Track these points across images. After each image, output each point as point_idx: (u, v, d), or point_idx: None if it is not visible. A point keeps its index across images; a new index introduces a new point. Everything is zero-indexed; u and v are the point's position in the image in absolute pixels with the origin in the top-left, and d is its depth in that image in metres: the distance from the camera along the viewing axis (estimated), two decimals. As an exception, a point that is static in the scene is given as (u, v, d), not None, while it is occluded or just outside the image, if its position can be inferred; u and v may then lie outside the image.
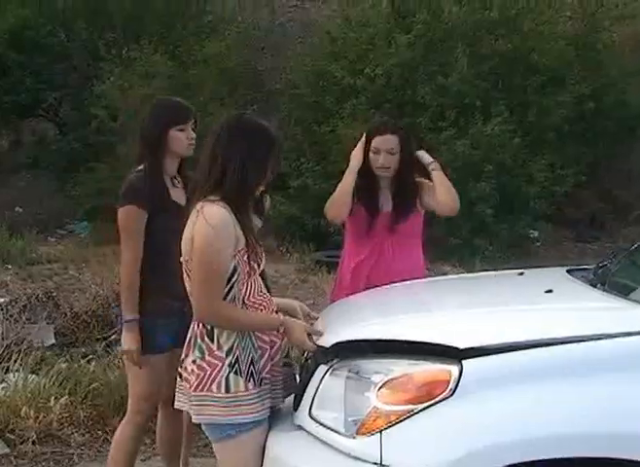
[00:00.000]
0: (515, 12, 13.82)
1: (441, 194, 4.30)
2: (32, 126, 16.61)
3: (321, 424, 2.80)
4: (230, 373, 2.96)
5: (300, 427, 2.91)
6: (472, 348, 2.61)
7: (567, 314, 2.93)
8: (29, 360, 5.61)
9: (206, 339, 3.02)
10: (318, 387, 2.87)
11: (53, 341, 6.61)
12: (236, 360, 2.98)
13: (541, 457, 2.45)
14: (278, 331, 3.10)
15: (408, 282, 3.99)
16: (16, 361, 5.61)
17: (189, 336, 3.12)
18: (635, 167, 14.98)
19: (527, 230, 13.38)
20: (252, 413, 2.96)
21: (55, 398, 5.10)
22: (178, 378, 3.19)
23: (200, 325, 3.05)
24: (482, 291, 3.70)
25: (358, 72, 13.30)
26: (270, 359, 3.08)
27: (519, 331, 2.70)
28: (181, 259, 3.09)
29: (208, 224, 2.96)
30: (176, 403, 3.22)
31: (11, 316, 6.57)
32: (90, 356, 5.99)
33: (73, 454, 4.96)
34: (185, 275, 3.10)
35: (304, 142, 13.70)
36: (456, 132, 12.43)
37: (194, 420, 3.09)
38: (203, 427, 3.11)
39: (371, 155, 4.34)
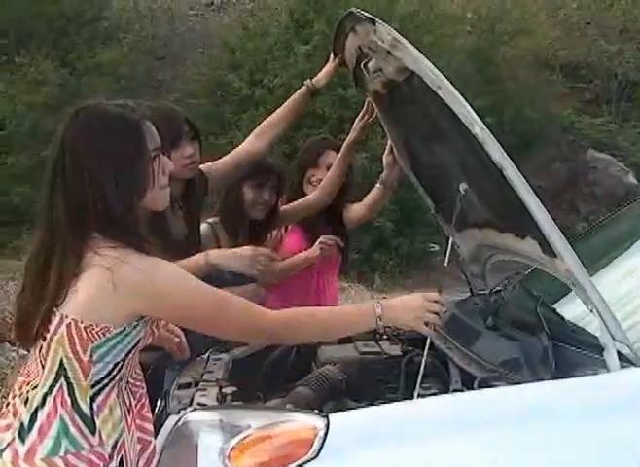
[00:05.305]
0: (415, 26, 13.78)
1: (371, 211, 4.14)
2: None
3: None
4: None
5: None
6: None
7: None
8: None
9: (83, 428, 2.08)
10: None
11: None
12: (121, 461, 2.13)
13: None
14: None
15: None
16: None
17: (27, 414, 2.08)
18: (533, 182, 15.08)
19: (427, 244, 13.30)
20: None
21: None
22: None
23: (69, 403, 2.07)
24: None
25: (257, 82, 13.08)
26: (151, 454, 2.28)
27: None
28: None
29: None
30: None
31: None
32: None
33: None
34: None
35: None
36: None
37: None
38: None
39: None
